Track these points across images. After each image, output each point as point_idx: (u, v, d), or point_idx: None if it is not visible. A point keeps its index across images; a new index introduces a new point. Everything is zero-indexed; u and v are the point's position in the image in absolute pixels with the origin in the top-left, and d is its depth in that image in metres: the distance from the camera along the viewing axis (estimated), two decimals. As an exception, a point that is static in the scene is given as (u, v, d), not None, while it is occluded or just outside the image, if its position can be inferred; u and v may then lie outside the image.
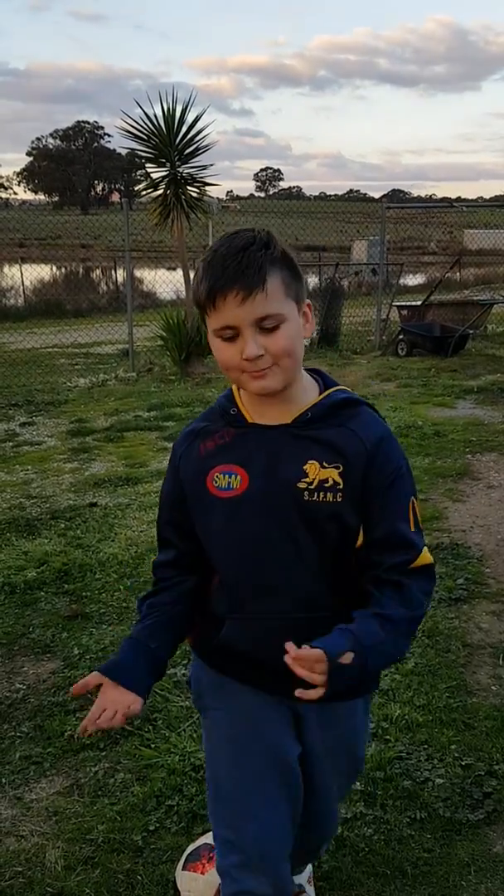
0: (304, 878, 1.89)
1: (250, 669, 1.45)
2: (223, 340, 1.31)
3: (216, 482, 1.38)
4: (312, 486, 1.34)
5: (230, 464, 1.38)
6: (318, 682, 1.22)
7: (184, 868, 1.85)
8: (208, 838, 1.89)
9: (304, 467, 1.34)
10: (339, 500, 1.34)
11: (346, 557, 1.39)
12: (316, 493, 1.34)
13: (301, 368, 1.39)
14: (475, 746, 2.51)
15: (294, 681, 1.23)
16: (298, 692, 1.23)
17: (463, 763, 2.42)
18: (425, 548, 1.42)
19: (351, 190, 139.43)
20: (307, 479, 1.34)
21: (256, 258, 1.26)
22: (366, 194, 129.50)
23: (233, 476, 1.37)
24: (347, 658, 1.24)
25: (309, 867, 1.92)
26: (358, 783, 2.33)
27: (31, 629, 3.34)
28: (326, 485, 1.33)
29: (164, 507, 1.51)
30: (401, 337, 11.26)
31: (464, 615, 3.39)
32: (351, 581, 1.41)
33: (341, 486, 1.34)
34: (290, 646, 1.22)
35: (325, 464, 1.34)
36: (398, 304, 12.44)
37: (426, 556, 1.42)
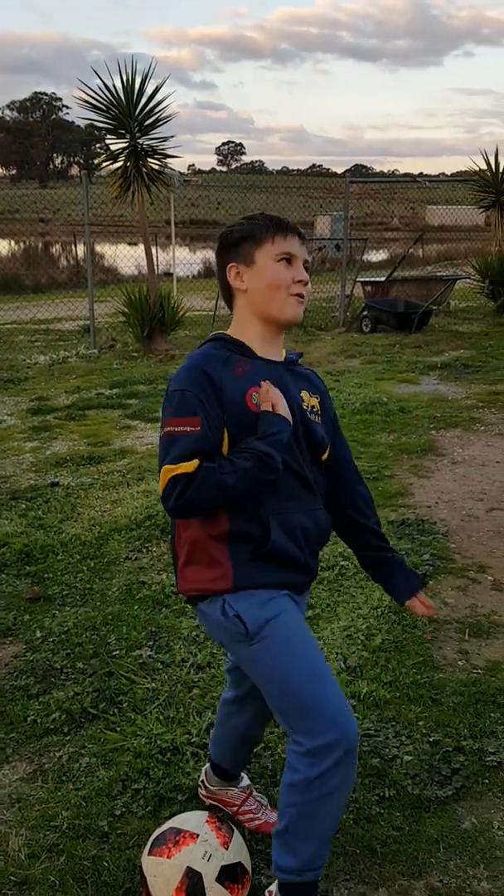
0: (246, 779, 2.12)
1: (289, 567, 1.67)
2: (284, 263, 1.70)
3: (254, 400, 1.64)
4: (309, 409, 1.74)
5: (257, 386, 1.65)
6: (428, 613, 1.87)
7: (150, 853, 1.81)
8: (174, 822, 1.85)
9: (301, 395, 1.74)
10: (319, 421, 1.76)
11: (319, 467, 1.77)
12: (310, 415, 1.73)
13: None
14: (442, 722, 2.51)
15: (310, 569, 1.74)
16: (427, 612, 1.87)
17: (431, 739, 2.42)
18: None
19: (314, 165, 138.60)
20: (305, 404, 1.73)
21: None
22: (329, 169, 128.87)
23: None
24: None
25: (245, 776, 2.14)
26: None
27: (-9, 612, 3.26)
28: (314, 409, 1.75)
29: (207, 435, 1.57)
30: (365, 313, 11.24)
31: (429, 591, 3.39)
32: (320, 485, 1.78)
33: (319, 412, 1.76)
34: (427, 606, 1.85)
35: (310, 394, 1.77)
36: (362, 280, 12.42)
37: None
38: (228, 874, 1.76)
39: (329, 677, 1.61)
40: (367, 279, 12.60)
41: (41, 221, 36.06)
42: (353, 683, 2.69)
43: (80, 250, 22.10)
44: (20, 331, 11.93)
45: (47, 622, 3.17)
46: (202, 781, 2.18)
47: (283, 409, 1.63)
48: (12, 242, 28.81)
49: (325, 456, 1.79)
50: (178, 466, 1.54)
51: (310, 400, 1.75)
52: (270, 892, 1.76)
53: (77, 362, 9.21)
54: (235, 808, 2.11)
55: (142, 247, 9.61)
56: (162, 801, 2.20)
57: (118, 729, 2.49)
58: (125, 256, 15.63)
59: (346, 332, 11.19)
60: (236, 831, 1.88)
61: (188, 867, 1.73)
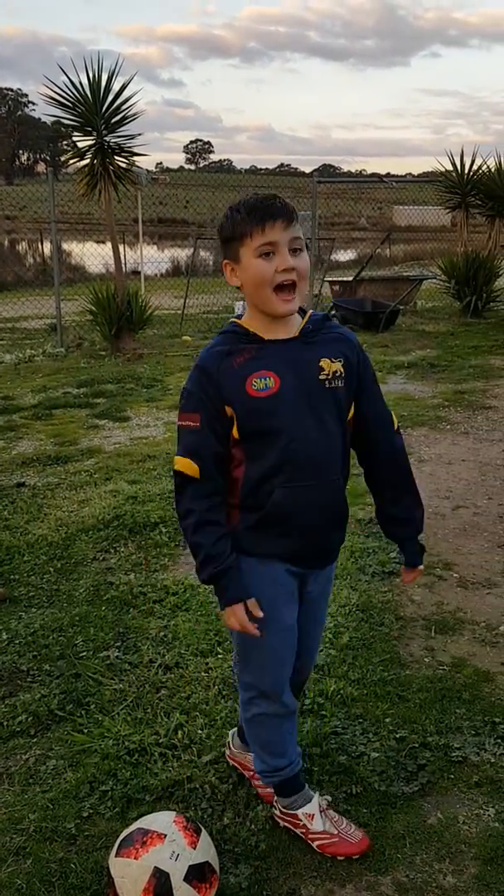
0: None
1: (290, 536, 1.81)
2: (263, 258, 1.68)
3: (255, 385, 1.72)
4: (329, 377, 1.77)
5: (262, 370, 1.73)
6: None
7: (117, 854, 1.80)
8: (142, 823, 1.85)
9: (320, 364, 1.76)
10: (342, 385, 1.79)
11: (343, 428, 1.83)
12: (332, 381, 1.77)
13: None
14: (409, 719, 2.54)
15: (319, 539, 1.87)
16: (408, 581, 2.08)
17: (397, 736, 2.45)
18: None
19: (282, 164, 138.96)
20: (325, 373, 1.77)
21: (287, 203, 1.69)
22: (297, 169, 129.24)
23: (267, 379, 1.72)
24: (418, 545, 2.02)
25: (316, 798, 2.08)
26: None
27: (-44, 615, 3.22)
28: (337, 374, 1.78)
29: (205, 438, 1.75)
30: (332, 312, 11.29)
31: (396, 588, 3.42)
32: (345, 447, 1.86)
33: (343, 376, 1.79)
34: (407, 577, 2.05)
35: (332, 360, 1.78)
36: (330, 279, 12.48)
37: (395, 417, 1.97)
38: (196, 873, 1.76)
39: (276, 661, 1.92)
40: (335, 279, 12.68)
41: (7, 219, 35.63)
42: (320, 682, 2.71)
43: (47, 248, 21.89)
44: (-14, 329, 11.79)
45: (13, 624, 3.14)
46: (229, 742, 2.34)
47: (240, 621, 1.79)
48: (-23, 240, 28.43)
49: (350, 414, 1.85)
50: (180, 460, 1.78)
51: (331, 366, 1.77)
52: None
53: (43, 361, 9.12)
54: (251, 773, 2.22)
55: (109, 245, 9.54)
56: (130, 802, 2.19)
57: (85, 731, 2.48)
58: (92, 254, 15.52)
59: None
60: (203, 831, 1.88)
61: (156, 867, 1.73)
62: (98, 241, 18.77)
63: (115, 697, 2.64)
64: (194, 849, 1.80)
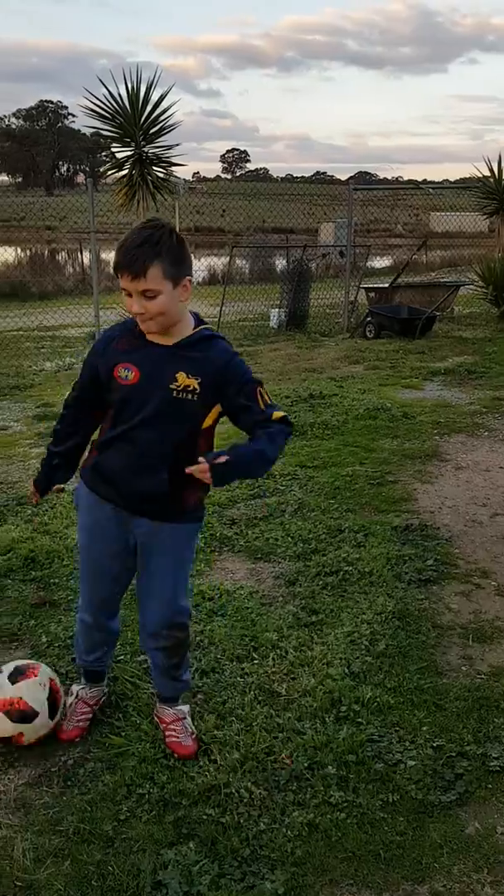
0: (186, 710, 2.52)
1: (111, 488, 2.25)
2: (126, 295, 2.05)
3: (119, 373, 2.13)
4: (179, 388, 2.10)
5: (128, 363, 2.12)
6: (207, 481, 2.06)
7: (14, 682, 2.40)
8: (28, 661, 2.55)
9: (176, 375, 2.10)
10: (195, 398, 2.11)
11: (192, 431, 2.16)
12: (181, 393, 2.10)
13: (183, 314, 2.13)
14: (446, 727, 2.52)
15: (136, 504, 2.24)
16: (191, 469, 2.05)
17: (434, 744, 2.43)
18: (278, 411, 2.17)
19: (318, 172, 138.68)
20: (177, 384, 2.10)
21: (143, 255, 1.97)
22: (333, 176, 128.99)
23: (129, 371, 2.12)
24: (222, 459, 2.03)
25: (187, 707, 2.53)
26: (330, 767, 2.32)
27: (-3, 618, 3.28)
28: (189, 388, 2.10)
29: (78, 388, 2.32)
30: (369, 319, 11.26)
31: (433, 596, 3.40)
32: (191, 444, 2.16)
33: (198, 391, 2.11)
34: (193, 468, 2.04)
35: (189, 375, 2.10)
36: (366, 286, 12.44)
37: (278, 413, 2.17)
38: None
39: (87, 579, 2.45)
40: (371, 285, 12.62)
41: (47, 229, 36.19)
42: (356, 689, 2.70)
43: (86, 257, 22.16)
44: (26, 337, 11.98)
45: (53, 627, 3.18)
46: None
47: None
48: (19, 250, 28.92)
49: (207, 423, 2.18)
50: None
51: (185, 380, 2.10)
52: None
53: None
54: (164, 725, 2.48)
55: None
56: (166, 805, 2.20)
57: (123, 734, 2.50)
58: (130, 263, 15.64)
59: (350, 338, 11.20)
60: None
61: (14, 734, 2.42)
62: (135, 251, 18.91)
63: (152, 701, 2.66)
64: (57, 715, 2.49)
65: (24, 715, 2.39)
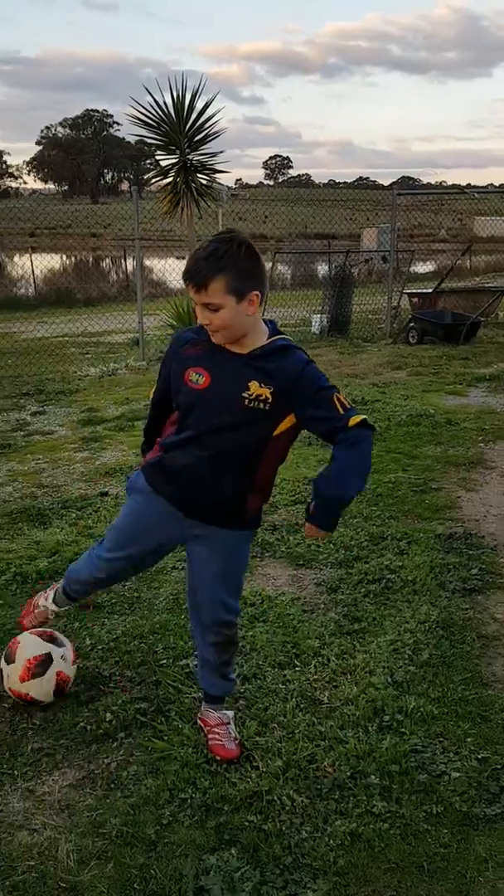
0: (230, 715, 2.55)
1: (173, 488, 2.27)
2: (195, 304, 2.07)
3: (191, 377, 2.14)
4: (251, 397, 2.08)
5: (200, 367, 2.13)
6: (323, 537, 2.38)
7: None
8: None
9: (249, 384, 2.08)
10: (268, 408, 2.09)
11: (261, 439, 2.14)
12: (253, 402, 2.09)
13: (254, 325, 2.11)
14: (491, 739, 2.48)
15: (195, 508, 2.27)
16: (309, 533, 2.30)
17: (479, 756, 2.39)
18: (357, 415, 2.12)
19: (360, 177, 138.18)
20: (249, 392, 2.08)
21: (206, 268, 1.98)
22: (375, 181, 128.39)
23: (200, 376, 2.12)
24: (311, 509, 2.23)
25: (231, 712, 2.55)
26: (373, 776, 2.30)
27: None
28: (261, 398, 2.08)
29: (157, 389, 2.41)
30: (412, 325, 11.18)
31: (478, 606, 3.35)
32: (261, 451, 2.17)
33: (270, 400, 2.08)
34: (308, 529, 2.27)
35: (262, 384, 2.08)
36: (409, 291, 12.35)
37: (357, 418, 2.12)
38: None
39: (117, 533, 2.47)
40: (415, 290, 12.53)
41: (92, 236, 36.69)
42: (400, 698, 2.67)
43: (130, 264, 22.42)
44: (72, 343, 12.15)
45: (96, 630, 3.21)
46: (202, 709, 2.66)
47: None
48: (64, 257, 29.39)
49: (278, 431, 2.14)
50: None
51: (258, 389, 2.08)
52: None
53: (126, 374, 9.33)
54: (209, 728, 2.51)
55: (190, 260, 9.70)
56: (209, 811, 2.21)
57: (165, 738, 2.51)
58: (173, 270, 15.83)
59: (393, 343, 11.13)
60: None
61: (49, 652, 2.67)
62: (178, 257, 19.13)
63: (194, 706, 2.67)
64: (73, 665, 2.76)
65: (54, 638, 2.78)
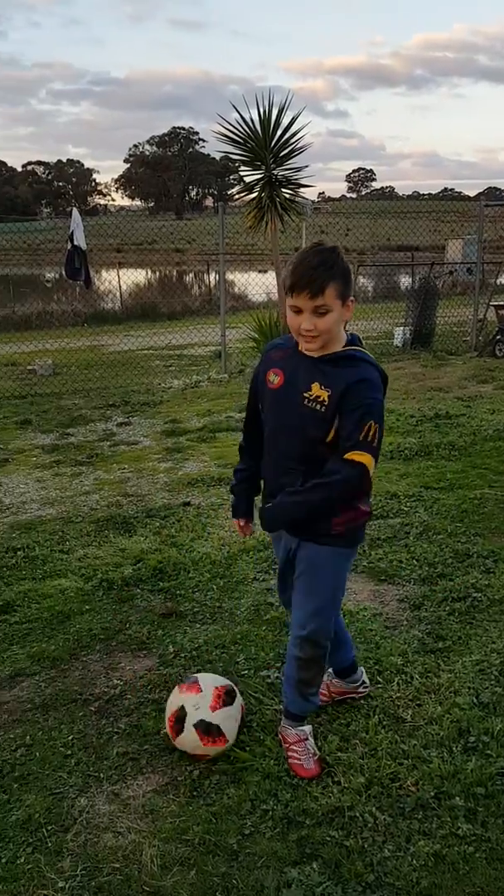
0: (308, 730, 2.53)
1: (271, 489, 2.37)
2: (294, 313, 2.14)
3: (270, 377, 2.29)
4: (311, 398, 2.17)
5: (278, 368, 2.27)
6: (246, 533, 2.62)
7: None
8: (199, 675, 2.68)
9: (311, 385, 2.17)
10: (323, 410, 2.15)
11: (320, 442, 2.18)
12: (311, 402, 2.17)
13: (339, 334, 2.19)
14: None
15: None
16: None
17: None
18: (367, 454, 2.12)
19: (445, 188, 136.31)
20: (309, 393, 2.17)
21: (323, 276, 2.06)
22: (461, 192, 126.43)
23: (277, 375, 2.27)
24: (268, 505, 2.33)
25: (309, 727, 2.54)
26: (458, 798, 2.25)
27: (127, 625, 3.39)
28: (319, 399, 2.16)
29: (250, 396, 2.47)
30: (499, 337, 10.94)
31: None
32: (316, 456, 2.20)
33: (326, 403, 2.15)
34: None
35: (322, 387, 2.15)
36: (496, 303, 12.09)
37: (362, 456, 2.12)
38: (203, 727, 2.46)
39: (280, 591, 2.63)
40: (502, 302, 12.26)
41: (176, 251, 37.40)
42: (486, 720, 2.61)
43: (213, 278, 22.73)
44: (156, 356, 12.40)
45: (179, 638, 3.26)
46: (328, 682, 2.76)
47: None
48: (149, 271, 30.05)
49: (331, 437, 2.16)
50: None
51: (318, 391, 2.15)
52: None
53: (208, 386, 9.46)
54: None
55: (271, 274, 9.78)
56: (290, 823, 2.21)
57: (247, 748, 2.52)
58: (255, 284, 15.96)
59: (478, 356, 10.91)
60: (233, 706, 2.53)
61: (182, 705, 2.49)
62: (260, 271, 19.28)
63: (275, 717, 2.67)
64: (213, 711, 2.48)
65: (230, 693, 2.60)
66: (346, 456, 2.12)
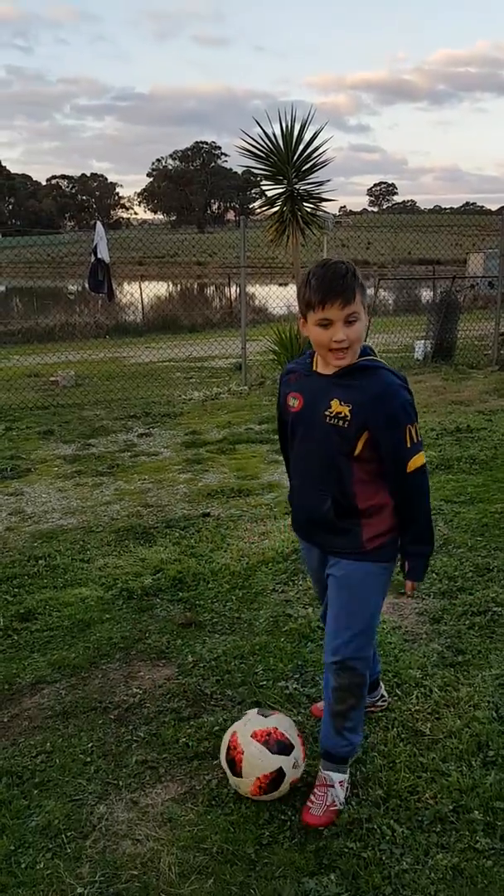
0: (337, 778, 2.37)
1: (295, 514, 2.41)
2: (322, 328, 2.10)
3: (289, 402, 2.30)
4: (332, 414, 2.16)
5: (296, 392, 2.28)
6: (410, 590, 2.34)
7: (251, 736, 2.33)
8: (279, 721, 2.41)
9: (331, 402, 2.17)
10: (345, 426, 2.14)
11: (345, 458, 2.17)
12: (333, 419, 2.16)
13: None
14: None
15: (310, 534, 2.37)
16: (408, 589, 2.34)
17: None
18: (419, 454, 2.17)
19: (467, 202, 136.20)
20: (330, 411, 2.17)
21: (351, 284, 2.07)
22: (483, 206, 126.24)
23: (296, 399, 2.27)
24: (408, 568, 2.29)
25: (346, 776, 2.38)
26: (476, 812, 2.24)
27: (147, 635, 3.41)
28: (340, 415, 2.15)
29: (278, 420, 2.46)
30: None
31: None
32: (344, 476, 2.19)
33: (348, 418, 2.14)
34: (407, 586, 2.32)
35: (342, 402, 2.15)
36: (517, 317, 12.03)
37: (417, 459, 2.16)
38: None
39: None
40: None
41: (198, 264, 37.62)
42: (505, 734, 2.60)
43: (234, 291, 22.84)
44: (176, 368, 12.48)
45: (198, 648, 3.27)
46: None
47: None
48: (171, 284, 30.26)
49: (358, 451, 2.15)
50: None
51: (338, 407, 2.15)
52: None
53: (228, 398, 9.50)
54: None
55: (291, 287, 9.82)
56: (308, 834, 2.21)
57: (265, 758, 2.52)
58: (275, 297, 16.01)
59: (500, 370, 10.87)
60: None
61: (280, 767, 2.29)
62: (280, 284, 19.34)
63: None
64: (302, 763, 2.38)
65: (282, 746, 2.32)
66: (409, 469, 2.14)
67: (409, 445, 2.14)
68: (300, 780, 2.37)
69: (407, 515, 2.23)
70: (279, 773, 2.28)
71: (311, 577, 2.58)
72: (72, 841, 2.23)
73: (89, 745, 2.66)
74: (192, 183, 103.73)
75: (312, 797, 2.32)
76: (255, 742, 2.31)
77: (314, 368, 2.24)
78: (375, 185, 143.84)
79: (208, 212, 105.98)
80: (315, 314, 2.10)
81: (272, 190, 9.47)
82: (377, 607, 2.30)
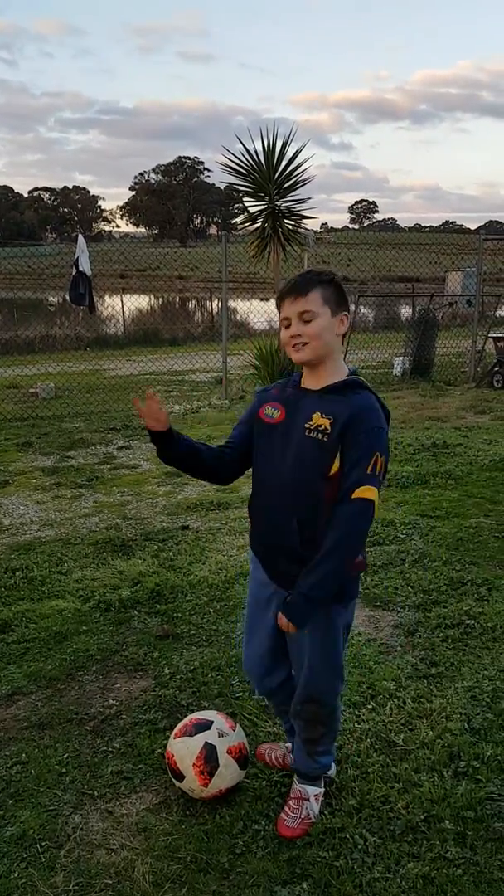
0: (311, 791, 2.39)
1: (255, 543, 2.29)
2: (285, 328, 2.12)
3: (266, 411, 2.21)
4: (311, 427, 2.08)
5: (277, 402, 2.20)
6: (291, 629, 2.09)
7: (174, 738, 2.43)
8: (194, 714, 2.62)
9: (312, 415, 2.08)
10: (325, 439, 2.05)
11: (320, 477, 2.05)
12: (312, 432, 2.07)
13: (335, 357, 2.14)
14: None
15: (274, 566, 2.23)
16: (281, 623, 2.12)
17: None
18: (373, 488, 2.02)
19: (447, 221, 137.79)
20: (310, 423, 2.08)
21: (307, 280, 2.08)
22: (462, 226, 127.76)
23: (276, 409, 2.19)
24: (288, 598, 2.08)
25: (321, 789, 2.41)
26: (447, 821, 2.28)
27: (124, 647, 3.43)
28: (320, 428, 2.06)
29: (241, 423, 2.34)
30: (496, 369, 11.05)
31: None
32: (314, 503, 2.07)
33: (328, 431, 2.05)
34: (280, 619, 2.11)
35: (323, 415, 2.07)
36: (494, 335, 12.22)
37: (369, 491, 2.01)
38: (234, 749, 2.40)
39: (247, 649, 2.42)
40: (500, 335, 12.39)
41: (180, 278, 37.72)
42: (477, 745, 2.64)
43: (215, 305, 22.94)
44: (157, 381, 12.51)
45: (175, 660, 3.29)
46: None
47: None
48: (152, 298, 30.31)
49: (334, 469, 2.04)
50: None
51: (319, 420, 2.07)
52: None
53: (209, 412, 9.54)
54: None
55: (272, 302, 9.90)
56: (281, 843, 2.23)
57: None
58: (257, 311, 16.14)
59: (476, 387, 11.01)
60: (238, 723, 2.50)
61: (205, 741, 2.37)
62: (262, 299, 19.48)
63: (268, 739, 2.70)
64: (233, 731, 2.45)
65: (199, 725, 2.44)
66: (354, 495, 1.99)
67: (367, 471, 2.00)
68: (246, 747, 2.46)
69: (326, 547, 2.02)
70: (207, 748, 2.36)
71: (252, 604, 2.35)
72: (46, 850, 2.24)
73: (65, 756, 2.67)
74: (174, 197, 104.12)
75: (287, 809, 2.34)
76: (176, 739, 2.44)
77: (302, 385, 2.17)
78: (357, 202, 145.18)
79: (190, 226, 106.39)
80: (279, 314, 2.14)
81: (254, 206, 9.58)
82: (336, 648, 2.22)
